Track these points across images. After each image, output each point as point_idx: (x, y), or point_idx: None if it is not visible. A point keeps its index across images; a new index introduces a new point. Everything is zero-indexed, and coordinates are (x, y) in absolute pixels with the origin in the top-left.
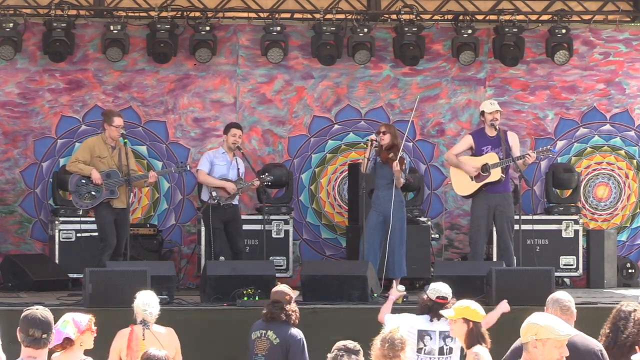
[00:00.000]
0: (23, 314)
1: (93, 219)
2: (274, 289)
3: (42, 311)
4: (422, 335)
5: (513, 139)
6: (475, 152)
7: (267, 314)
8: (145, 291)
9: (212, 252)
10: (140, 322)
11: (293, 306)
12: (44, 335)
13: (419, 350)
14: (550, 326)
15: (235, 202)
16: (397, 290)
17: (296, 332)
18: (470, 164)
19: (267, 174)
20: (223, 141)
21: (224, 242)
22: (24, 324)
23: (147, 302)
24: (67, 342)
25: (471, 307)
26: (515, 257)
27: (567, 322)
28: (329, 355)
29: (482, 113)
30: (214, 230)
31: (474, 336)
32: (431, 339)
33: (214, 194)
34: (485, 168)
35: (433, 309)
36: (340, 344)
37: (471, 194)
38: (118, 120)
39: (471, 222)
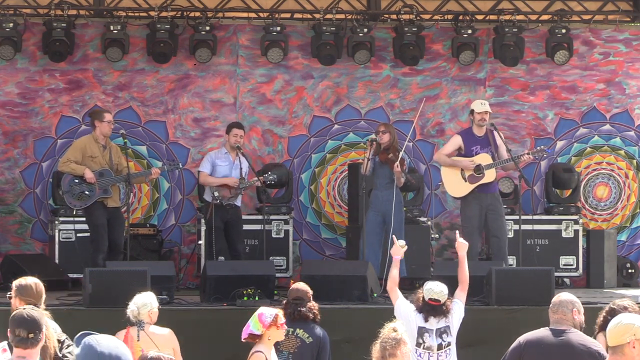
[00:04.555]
0: (12, 314)
1: None
2: (293, 287)
3: (29, 311)
4: (422, 332)
5: (499, 137)
6: (465, 152)
7: (293, 313)
8: (142, 292)
9: (213, 251)
10: (135, 323)
11: (313, 303)
12: (31, 335)
13: (418, 344)
14: None
15: (238, 203)
16: (400, 247)
17: (324, 331)
18: (466, 159)
19: (270, 172)
20: (225, 141)
21: (224, 243)
22: (12, 324)
23: (135, 301)
24: (254, 337)
25: None
26: (515, 258)
27: (559, 321)
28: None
29: (472, 112)
30: (215, 229)
31: None
32: (429, 336)
33: (215, 194)
34: (479, 169)
35: (425, 310)
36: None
37: (464, 195)
38: (108, 116)
39: (463, 223)
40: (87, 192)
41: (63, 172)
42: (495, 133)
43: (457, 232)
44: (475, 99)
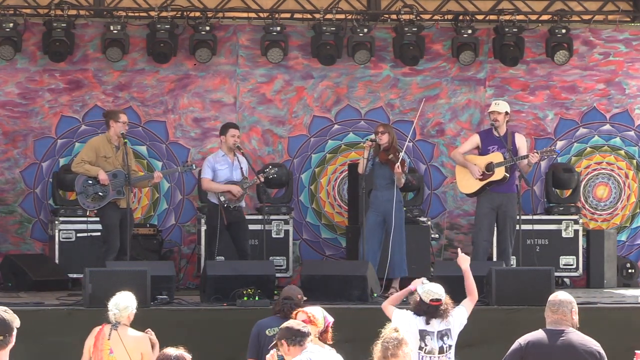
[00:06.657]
0: None
1: (93, 218)
2: (286, 287)
3: (0, 313)
4: (423, 335)
5: (520, 140)
6: (482, 151)
7: (282, 310)
8: (121, 292)
9: (215, 251)
10: (112, 323)
11: (302, 306)
12: (0, 337)
13: (420, 348)
14: None
15: (242, 204)
16: (422, 283)
17: None
18: (475, 162)
19: (270, 167)
20: (221, 142)
21: (226, 244)
22: None
23: (115, 302)
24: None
25: None
26: (515, 258)
27: (558, 322)
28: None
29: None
30: (219, 230)
31: None
32: (431, 339)
33: (222, 198)
34: (490, 167)
35: (428, 312)
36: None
37: (475, 192)
38: (123, 117)
39: (475, 221)
40: (100, 193)
41: (77, 172)
42: (517, 136)
43: (459, 249)
44: (475, 99)
